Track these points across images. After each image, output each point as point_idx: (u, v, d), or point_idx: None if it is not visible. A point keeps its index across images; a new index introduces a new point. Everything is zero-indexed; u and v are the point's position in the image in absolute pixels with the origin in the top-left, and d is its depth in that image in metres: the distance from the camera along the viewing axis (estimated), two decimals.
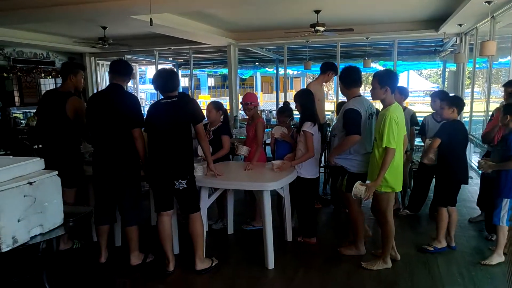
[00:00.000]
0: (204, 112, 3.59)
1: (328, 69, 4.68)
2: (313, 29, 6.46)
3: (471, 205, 4.66)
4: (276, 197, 3.87)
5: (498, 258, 3.26)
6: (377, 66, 12.53)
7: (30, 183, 2.04)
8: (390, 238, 3.16)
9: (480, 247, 3.63)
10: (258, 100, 4.01)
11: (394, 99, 3.01)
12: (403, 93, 4.42)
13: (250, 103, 3.92)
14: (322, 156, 4.95)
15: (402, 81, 20.78)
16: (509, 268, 2.01)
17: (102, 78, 12.18)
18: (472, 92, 7.58)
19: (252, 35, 9.07)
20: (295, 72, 20.84)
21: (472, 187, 5.15)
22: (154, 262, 3.34)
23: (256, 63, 14.79)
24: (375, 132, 3.04)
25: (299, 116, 3.69)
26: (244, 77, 19.98)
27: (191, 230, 3.12)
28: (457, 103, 3.46)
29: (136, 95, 15.79)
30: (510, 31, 6.27)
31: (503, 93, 3.91)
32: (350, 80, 3.33)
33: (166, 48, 10.42)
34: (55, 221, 2.19)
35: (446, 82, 11.32)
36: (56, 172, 2.23)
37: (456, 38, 8.04)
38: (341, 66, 10.20)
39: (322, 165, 5.33)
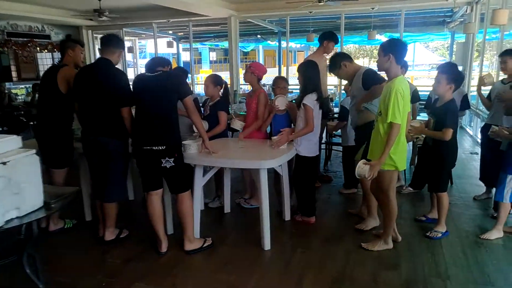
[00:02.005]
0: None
1: (325, 38, 4.43)
2: None
3: (475, 181, 4.50)
4: (274, 175, 3.74)
5: (497, 233, 3.25)
6: (382, 38, 12.12)
7: (4, 163, 1.89)
8: (392, 218, 3.02)
9: (485, 226, 3.48)
10: (263, 73, 3.79)
11: (399, 71, 2.80)
12: (403, 65, 4.17)
13: (250, 67, 3.72)
14: (323, 132, 4.79)
15: (408, 54, 20.44)
16: None
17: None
18: (481, 64, 7.29)
19: (254, 6, 8.75)
20: (298, 46, 20.34)
21: (478, 163, 4.98)
22: (147, 244, 3.24)
23: (258, 36, 14.39)
24: (379, 105, 2.85)
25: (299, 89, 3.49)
26: (246, 50, 19.53)
27: (178, 210, 3.02)
28: (458, 80, 3.18)
29: (136, 69, 15.57)
30: None
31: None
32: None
33: (164, 20, 10.12)
34: (34, 203, 2.06)
35: (454, 55, 10.94)
36: (34, 151, 2.08)
37: (467, 7, 7.68)
38: (345, 38, 10.05)
39: (323, 141, 5.17)
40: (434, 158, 3.28)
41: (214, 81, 3.77)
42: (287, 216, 3.68)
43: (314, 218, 3.61)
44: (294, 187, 3.66)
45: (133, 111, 3.01)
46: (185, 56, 23.54)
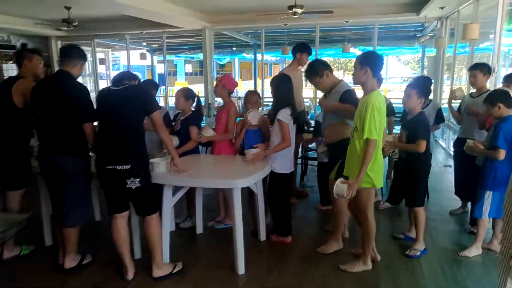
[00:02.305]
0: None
1: (298, 50, 4.35)
2: (291, 11, 6.11)
3: (451, 195, 4.48)
4: (248, 192, 3.58)
5: (476, 250, 3.20)
6: (357, 51, 12.29)
7: None
8: (371, 238, 2.91)
9: (463, 242, 3.43)
10: (236, 87, 3.66)
11: (375, 85, 2.73)
12: (377, 79, 4.14)
13: (220, 80, 3.57)
14: (299, 147, 4.68)
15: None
16: (502, 265, 1.77)
17: None
18: (452, 78, 7.43)
19: (228, 18, 8.66)
20: (274, 58, 20.43)
21: (452, 175, 4.97)
22: (108, 268, 3.01)
23: (234, 48, 14.34)
24: (354, 121, 2.76)
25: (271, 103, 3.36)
26: (221, 62, 19.44)
27: (146, 234, 2.81)
28: (427, 93, 3.23)
29: (109, 82, 15.15)
30: (492, 14, 6.09)
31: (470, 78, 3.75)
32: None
33: (138, 32, 9.89)
34: None
35: (425, 69, 11.18)
36: None
37: (437, 22, 7.85)
38: (320, 51, 10.09)
39: (299, 156, 5.06)
40: (408, 172, 3.23)
41: (186, 94, 3.60)
42: (263, 236, 3.52)
43: (290, 237, 3.47)
44: (269, 205, 3.51)
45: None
46: (160, 68, 23.27)
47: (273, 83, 3.29)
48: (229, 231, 3.17)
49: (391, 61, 21.59)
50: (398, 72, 25.55)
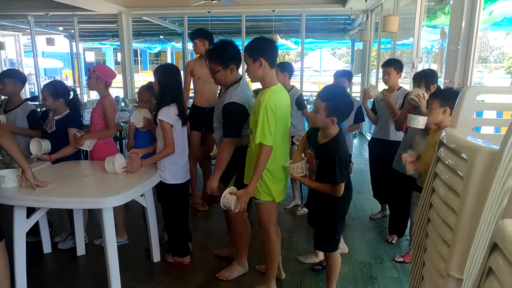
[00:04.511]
0: None
1: (196, 37, 3.76)
2: None
3: (372, 197, 4.24)
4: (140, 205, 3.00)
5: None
6: (289, 43, 12.05)
7: None
8: (274, 258, 2.47)
9: (380, 254, 3.14)
10: (111, 78, 3.01)
11: (275, 79, 2.26)
12: (286, 69, 3.72)
13: (94, 71, 2.93)
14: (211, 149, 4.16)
15: (315, 60, 21.02)
16: (413, 274, 1.55)
17: None
18: (377, 73, 7.34)
19: (145, 3, 7.88)
20: None
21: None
22: None
23: (161, 37, 13.41)
24: (250, 122, 2.29)
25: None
26: (152, 51, 18.33)
27: None
28: (340, 113, 2.18)
29: (22, 69, 13.51)
30: (412, 10, 6.02)
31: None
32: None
33: (42, 13, 8.70)
34: None
35: (354, 62, 11.21)
36: None
37: (363, 15, 7.72)
38: (246, 41, 9.62)
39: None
40: (321, 206, 2.31)
41: (54, 92, 2.91)
42: (156, 256, 2.96)
43: (188, 258, 2.95)
44: (164, 220, 2.96)
45: None
46: (89, 57, 21.45)
47: (156, 74, 2.69)
48: (119, 250, 2.55)
49: (325, 54, 21.79)
50: (332, 65, 26.05)
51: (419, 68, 4.69)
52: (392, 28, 4.38)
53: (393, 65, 3.39)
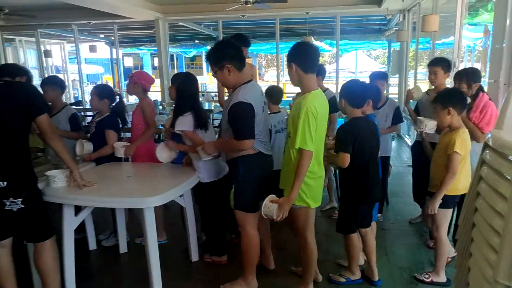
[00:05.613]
0: None
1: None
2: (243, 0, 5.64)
3: (412, 200, 4.13)
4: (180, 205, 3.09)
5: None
6: (323, 45, 11.95)
7: None
8: (311, 263, 2.47)
9: (421, 259, 3.06)
10: (150, 83, 3.15)
11: (314, 83, 2.26)
12: (319, 72, 3.68)
13: (132, 76, 3.08)
14: None
15: (350, 62, 20.69)
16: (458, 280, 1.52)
17: (15, 55, 10.61)
18: (415, 73, 7.14)
19: (181, 9, 8.08)
20: None
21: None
22: None
23: (196, 41, 13.69)
24: (288, 126, 2.30)
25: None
26: (188, 56, 18.75)
27: (37, 265, 2.29)
28: (359, 100, 2.53)
29: (66, 76, 14.23)
30: (453, 8, 5.82)
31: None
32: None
33: (85, 22, 9.13)
34: None
35: (391, 63, 10.96)
36: None
37: (399, 15, 7.55)
38: (284, 44, 9.64)
39: None
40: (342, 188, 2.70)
41: (99, 92, 3.06)
42: (195, 256, 3.04)
43: (225, 257, 3.00)
44: (201, 220, 3.03)
45: None
46: (128, 62, 22.21)
47: (174, 83, 2.78)
48: (159, 249, 2.64)
49: (361, 56, 21.42)
50: (368, 67, 25.54)
51: (461, 68, 4.53)
52: (432, 27, 4.25)
53: (440, 64, 3.20)
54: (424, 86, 6.50)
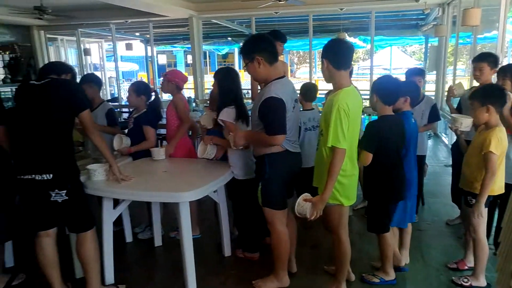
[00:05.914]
0: None
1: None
2: None
3: (450, 200, 3.98)
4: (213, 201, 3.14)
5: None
6: (357, 41, 11.71)
7: None
8: (345, 260, 2.44)
9: None
10: (183, 81, 3.22)
11: (346, 80, 2.22)
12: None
13: (166, 75, 3.17)
14: None
15: (385, 58, 20.17)
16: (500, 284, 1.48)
17: (57, 54, 11.06)
18: (455, 69, 6.87)
19: (215, 6, 8.15)
20: None
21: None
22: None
23: (229, 38, 13.78)
24: (320, 123, 2.28)
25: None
26: (220, 53, 18.92)
27: (78, 254, 2.40)
28: (390, 98, 2.46)
29: (104, 73, 14.75)
30: (496, 1, 5.55)
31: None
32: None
33: (122, 21, 9.40)
34: None
35: (428, 59, 10.60)
36: None
37: (438, 9, 7.28)
38: (317, 41, 9.54)
39: None
40: (368, 186, 2.59)
41: (136, 89, 3.15)
42: (227, 251, 3.08)
43: (258, 253, 3.02)
44: (234, 216, 3.06)
45: None
46: (161, 59, 22.69)
47: (216, 78, 2.82)
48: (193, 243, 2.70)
49: (395, 52, 20.84)
50: (403, 63, 24.82)
51: (505, 63, 4.31)
52: (474, 21, 4.08)
53: (486, 59, 3.04)
54: (464, 82, 6.25)
